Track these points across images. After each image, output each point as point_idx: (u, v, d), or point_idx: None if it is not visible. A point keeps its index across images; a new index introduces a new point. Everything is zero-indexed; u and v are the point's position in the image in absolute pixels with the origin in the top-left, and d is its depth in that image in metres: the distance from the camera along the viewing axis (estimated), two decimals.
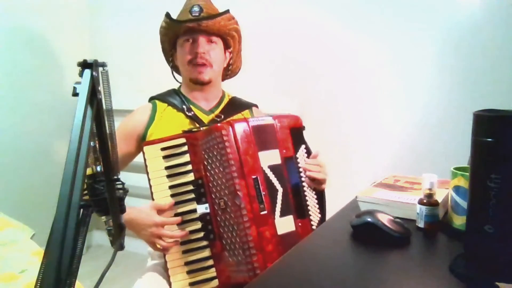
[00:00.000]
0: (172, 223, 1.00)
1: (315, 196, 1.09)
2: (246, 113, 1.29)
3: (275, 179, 1.02)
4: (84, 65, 0.49)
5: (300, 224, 1.03)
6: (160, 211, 1.01)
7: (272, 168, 1.03)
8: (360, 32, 1.87)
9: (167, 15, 1.19)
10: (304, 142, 1.11)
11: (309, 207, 1.07)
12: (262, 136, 1.04)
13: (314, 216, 1.07)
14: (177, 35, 1.22)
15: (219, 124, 1.03)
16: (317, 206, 1.09)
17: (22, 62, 2.28)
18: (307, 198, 1.07)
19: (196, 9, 1.17)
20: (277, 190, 1.02)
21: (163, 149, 1.04)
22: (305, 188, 1.07)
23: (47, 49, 2.42)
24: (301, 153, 1.10)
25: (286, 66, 2.04)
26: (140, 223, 1.01)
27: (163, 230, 0.99)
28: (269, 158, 1.03)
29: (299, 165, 1.08)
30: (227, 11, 1.21)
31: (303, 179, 1.08)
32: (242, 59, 1.35)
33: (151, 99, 1.28)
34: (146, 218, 1.00)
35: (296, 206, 1.04)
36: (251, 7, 2.06)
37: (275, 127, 1.07)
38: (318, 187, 1.10)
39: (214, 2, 1.28)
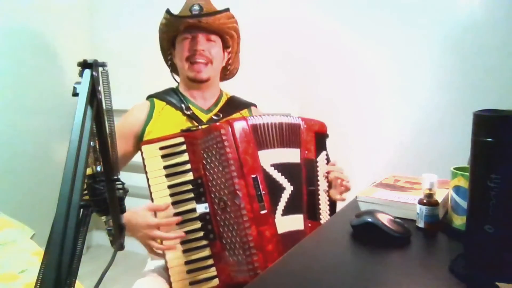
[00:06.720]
0: (168, 224, 0.99)
1: (329, 204, 1.10)
2: (244, 112, 1.29)
3: (282, 177, 1.02)
4: (84, 65, 0.49)
5: (310, 225, 1.04)
6: (156, 212, 1.00)
7: (281, 166, 1.03)
8: (360, 32, 1.87)
9: (167, 11, 1.20)
10: (326, 149, 1.12)
11: (320, 211, 1.07)
12: (286, 134, 1.06)
13: (324, 221, 1.08)
14: (176, 33, 1.23)
15: (218, 123, 1.03)
16: (329, 213, 1.09)
17: (22, 62, 2.28)
18: (320, 202, 1.08)
19: (196, 7, 1.18)
20: (283, 188, 1.02)
21: (161, 148, 1.04)
22: (320, 193, 1.08)
23: (47, 49, 2.42)
24: (322, 158, 1.11)
25: (287, 66, 2.04)
26: (134, 224, 0.99)
27: (155, 231, 0.98)
28: (280, 156, 1.03)
29: (318, 169, 1.09)
30: (227, 9, 1.22)
31: (320, 183, 1.08)
32: (240, 61, 1.36)
33: (149, 97, 1.28)
34: (140, 219, 0.99)
35: (308, 207, 1.05)
36: (252, 7, 2.06)
37: (301, 128, 1.08)
38: (340, 197, 1.09)
39: (214, 2, 1.27)
